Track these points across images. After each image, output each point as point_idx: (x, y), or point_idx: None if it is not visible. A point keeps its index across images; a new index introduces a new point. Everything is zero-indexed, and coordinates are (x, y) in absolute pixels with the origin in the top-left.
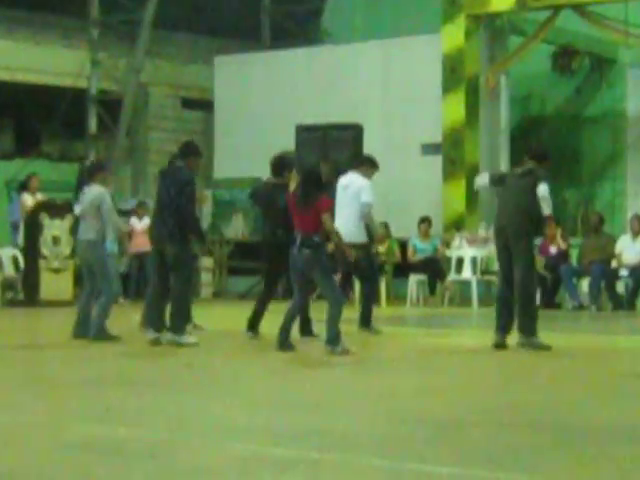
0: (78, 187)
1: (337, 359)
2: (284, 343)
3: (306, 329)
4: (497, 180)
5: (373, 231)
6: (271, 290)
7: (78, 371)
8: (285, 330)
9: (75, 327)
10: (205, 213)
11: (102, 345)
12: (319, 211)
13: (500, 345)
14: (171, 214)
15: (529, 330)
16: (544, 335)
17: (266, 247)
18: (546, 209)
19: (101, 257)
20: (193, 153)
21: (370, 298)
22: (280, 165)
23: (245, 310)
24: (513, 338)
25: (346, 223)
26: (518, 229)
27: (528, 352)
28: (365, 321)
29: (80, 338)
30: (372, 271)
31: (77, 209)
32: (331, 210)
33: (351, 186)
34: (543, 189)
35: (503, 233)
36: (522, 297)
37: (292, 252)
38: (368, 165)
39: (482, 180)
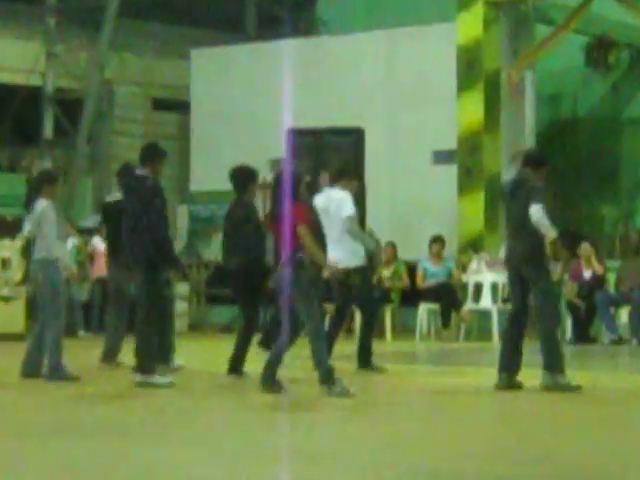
0: (28, 202)
1: (331, 402)
2: (269, 383)
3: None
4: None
5: (366, 246)
6: (252, 323)
7: (30, 418)
8: (271, 367)
9: (24, 365)
10: (180, 231)
11: (58, 387)
12: (295, 223)
13: (503, 386)
14: (140, 235)
15: (553, 368)
16: (575, 374)
17: (231, 275)
18: (548, 233)
19: (52, 279)
20: (157, 156)
21: (369, 330)
22: (239, 178)
23: (227, 345)
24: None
25: (336, 247)
26: (526, 253)
27: (551, 395)
28: (364, 358)
29: (31, 378)
30: (371, 298)
31: (26, 227)
32: (312, 222)
33: (331, 205)
34: (535, 212)
35: (512, 258)
36: (542, 330)
37: (272, 277)
38: (347, 178)
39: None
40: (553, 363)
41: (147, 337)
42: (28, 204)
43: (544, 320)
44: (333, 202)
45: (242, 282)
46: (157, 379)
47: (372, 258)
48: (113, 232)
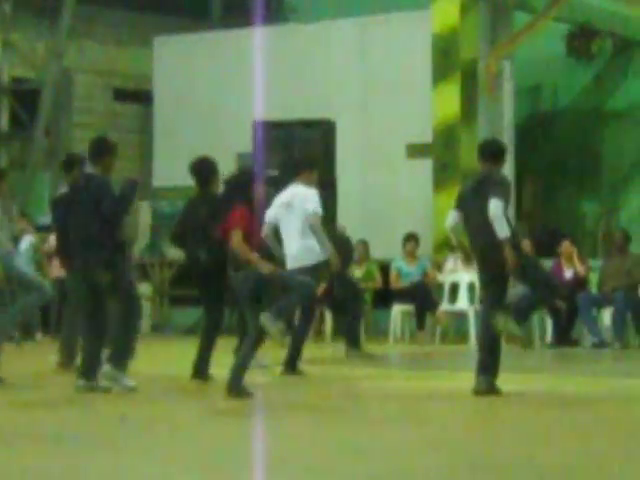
0: None
1: (298, 408)
2: (236, 387)
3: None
4: (458, 204)
5: (322, 248)
6: (218, 324)
7: None
8: (237, 371)
9: None
10: (142, 229)
11: (11, 392)
12: (229, 225)
13: (483, 391)
14: (97, 234)
15: (491, 372)
16: (554, 378)
17: (193, 274)
18: (499, 232)
19: None
20: (107, 151)
21: (353, 324)
22: (199, 171)
23: (191, 348)
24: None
25: (300, 247)
26: (482, 257)
27: (527, 400)
28: (353, 342)
29: None
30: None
31: None
32: (245, 227)
33: (294, 199)
34: (493, 207)
35: (477, 261)
36: (484, 338)
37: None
38: (307, 169)
39: (451, 219)
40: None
41: (124, 334)
42: None
43: (486, 328)
44: (297, 196)
45: (211, 281)
46: (125, 380)
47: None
48: (64, 229)
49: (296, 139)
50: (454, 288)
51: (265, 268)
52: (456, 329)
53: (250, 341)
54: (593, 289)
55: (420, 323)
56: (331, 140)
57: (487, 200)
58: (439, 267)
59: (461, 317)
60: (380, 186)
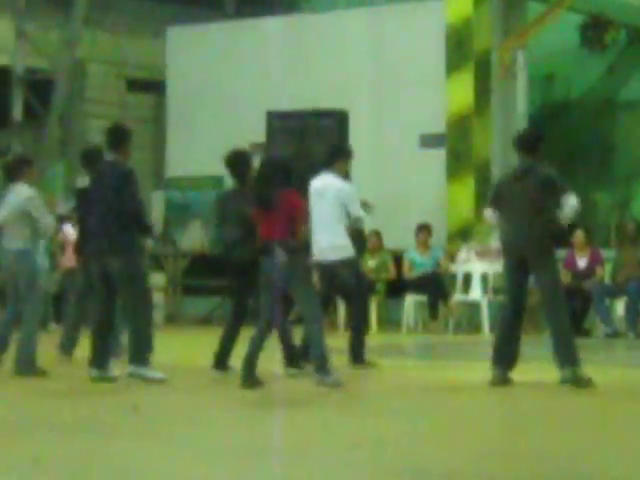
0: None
1: (315, 398)
2: (249, 378)
3: (292, 359)
4: (494, 198)
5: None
6: (242, 315)
7: None
8: (250, 361)
9: None
10: (155, 219)
11: (27, 381)
12: (289, 211)
13: (499, 382)
14: (114, 222)
15: (572, 361)
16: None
17: (230, 264)
18: (565, 219)
19: (31, 270)
20: (126, 138)
21: (360, 325)
22: (234, 163)
23: (205, 338)
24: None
25: (327, 236)
26: (537, 245)
27: (546, 390)
28: (357, 355)
29: None
30: (361, 292)
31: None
32: (299, 204)
33: (328, 191)
34: (576, 202)
35: (515, 251)
36: (556, 323)
37: (264, 264)
38: (343, 158)
39: (489, 218)
40: (570, 356)
41: (139, 327)
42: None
43: (555, 312)
44: (331, 188)
45: (247, 273)
46: (152, 373)
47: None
48: (86, 219)
49: (309, 129)
50: (467, 278)
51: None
52: (469, 319)
53: (260, 331)
54: (606, 279)
55: (433, 313)
56: (344, 130)
57: (528, 193)
58: (452, 257)
59: (474, 307)
60: (393, 176)
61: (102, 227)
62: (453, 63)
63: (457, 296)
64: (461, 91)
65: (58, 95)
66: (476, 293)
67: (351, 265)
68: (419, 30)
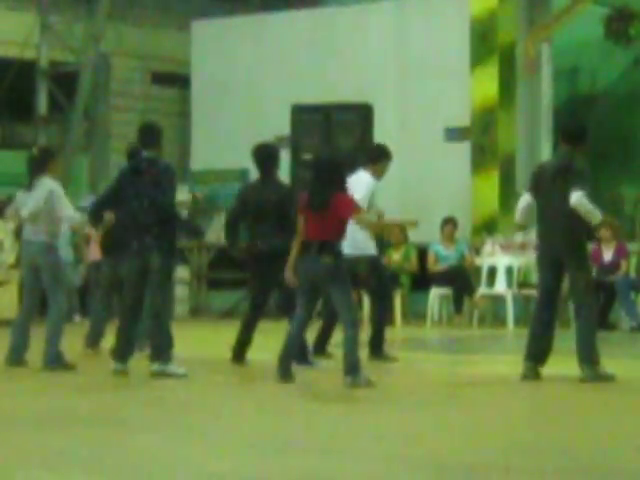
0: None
1: (340, 393)
2: (287, 373)
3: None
4: (533, 186)
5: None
6: (261, 309)
7: (22, 407)
8: (287, 356)
9: (10, 353)
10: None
11: (54, 375)
12: (340, 214)
13: (530, 376)
14: (154, 219)
15: (592, 360)
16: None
17: (255, 258)
18: (592, 218)
19: (55, 264)
20: (159, 135)
21: (381, 320)
22: (266, 156)
23: (229, 331)
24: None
25: (350, 232)
26: (572, 242)
27: (575, 385)
28: (376, 348)
29: (16, 366)
30: (383, 287)
31: (28, 206)
32: (357, 207)
33: (355, 189)
34: (575, 199)
35: (551, 247)
36: (585, 320)
37: (305, 261)
38: (385, 160)
39: (524, 202)
40: (591, 355)
41: (164, 324)
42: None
43: (584, 310)
44: (358, 185)
45: (271, 266)
46: (174, 369)
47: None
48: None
49: (334, 122)
50: (492, 272)
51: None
52: (493, 313)
53: (297, 325)
54: (631, 272)
55: (458, 307)
56: (369, 123)
57: (568, 190)
58: (477, 251)
59: (499, 301)
60: (418, 170)
61: (144, 223)
62: (478, 56)
63: (482, 289)
64: (486, 84)
65: (83, 89)
66: (501, 286)
67: (371, 262)
68: (444, 23)
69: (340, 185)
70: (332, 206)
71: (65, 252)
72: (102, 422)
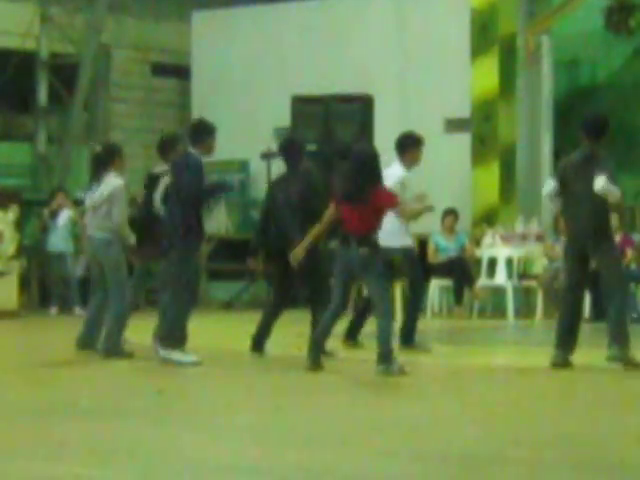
0: (94, 174)
1: (344, 383)
2: (316, 361)
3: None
4: (560, 180)
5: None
6: (286, 300)
7: (23, 399)
8: (318, 345)
9: (80, 337)
10: None
11: (54, 367)
12: (381, 206)
13: (561, 365)
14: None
15: (623, 342)
16: (595, 353)
17: (276, 250)
18: (611, 197)
19: (115, 258)
20: (208, 133)
21: (415, 310)
22: (291, 149)
23: (230, 322)
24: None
25: (386, 224)
26: (599, 230)
27: (574, 376)
28: (407, 337)
29: (87, 350)
30: (416, 278)
31: (88, 200)
32: (393, 200)
33: (387, 181)
34: (598, 183)
35: (579, 237)
36: (615, 304)
37: (343, 253)
38: (412, 147)
39: (548, 187)
40: (621, 337)
41: (182, 314)
42: (93, 177)
43: (614, 296)
44: (390, 178)
45: (307, 259)
46: (178, 356)
47: None
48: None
49: (334, 114)
50: (492, 263)
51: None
52: (494, 304)
53: (331, 314)
54: (632, 264)
55: (458, 298)
56: (369, 115)
57: (591, 177)
58: (477, 242)
59: (499, 292)
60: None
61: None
62: (478, 47)
63: (482, 281)
64: (486, 75)
65: (83, 80)
66: (501, 278)
67: (406, 253)
68: (443, 14)
69: (377, 177)
70: (371, 198)
71: (65, 243)
72: (103, 413)
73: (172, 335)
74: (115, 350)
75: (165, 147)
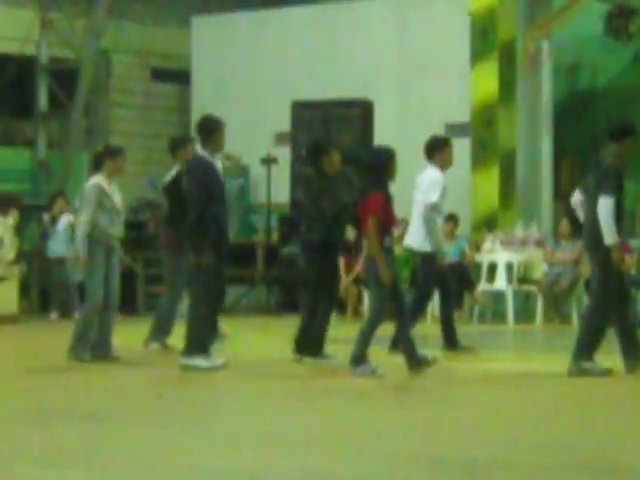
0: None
1: (342, 388)
2: (359, 364)
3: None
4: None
5: (430, 240)
6: (332, 300)
7: (22, 404)
8: (361, 349)
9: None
10: None
11: (53, 372)
12: (367, 215)
13: (574, 373)
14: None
15: (581, 356)
16: (598, 359)
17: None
18: (606, 237)
19: (90, 262)
20: (215, 129)
21: (448, 315)
22: (316, 151)
23: (231, 326)
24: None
25: (412, 228)
26: (591, 240)
27: (573, 381)
28: (449, 340)
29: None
30: (446, 285)
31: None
32: (381, 213)
33: (422, 184)
34: (602, 206)
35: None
36: (587, 318)
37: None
38: (439, 149)
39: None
40: (581, 350)
41: (200, 319)
42: None
43: (590, 310)
44: (424, 182)
45: (324, 259)
46: (197, 361)
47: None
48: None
49: (334, 119)
50: (492, 268)
51: (384, 275)
52: (494, 309)
53: (371, 322)
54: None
55: (458, 303)
56: (369, 120)
57: (595, 188)
58: (477, 247)
59: (499, 297)
60: (418, 166)
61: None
62: (478, 52)
63: (482, 285)
64: (486, 80)
65: (83, 85)
66: (501, 282)
67: (424, 258)
68: (443, 19)
69: (374, 183)
70: (365, 205)
71: (65, 248)
72: (102, 418)
73: (195, 341)
74: (75, 355)
75: (175, 148)
